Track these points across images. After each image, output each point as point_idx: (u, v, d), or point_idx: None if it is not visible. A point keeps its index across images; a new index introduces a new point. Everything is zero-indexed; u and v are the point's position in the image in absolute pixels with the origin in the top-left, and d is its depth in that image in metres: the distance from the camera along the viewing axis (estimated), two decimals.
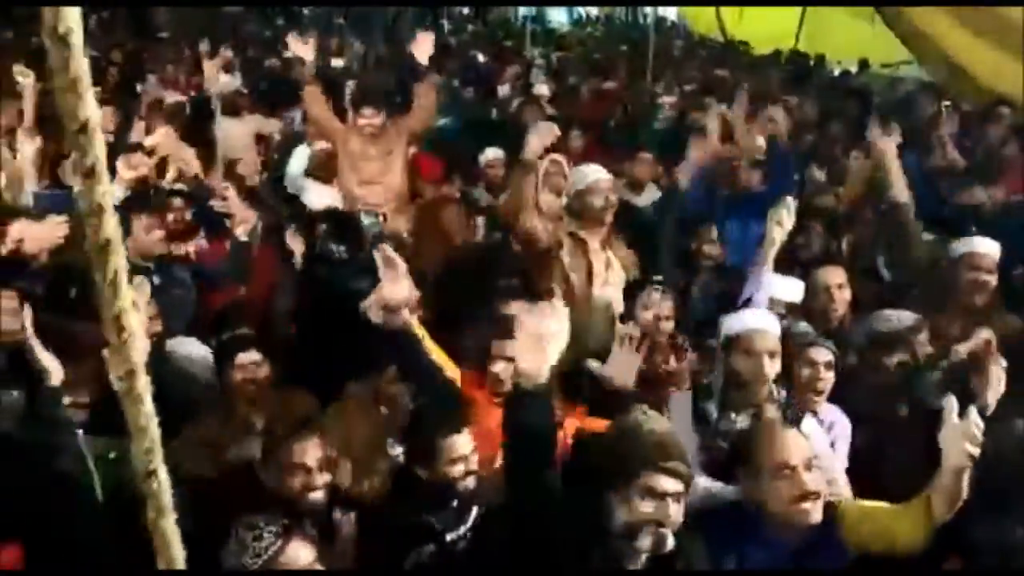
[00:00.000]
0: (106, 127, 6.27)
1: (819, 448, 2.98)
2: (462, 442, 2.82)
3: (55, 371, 2.72)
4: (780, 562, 2.53)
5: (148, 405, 0.90)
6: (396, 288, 2.86)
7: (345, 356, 3.56)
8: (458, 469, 2.79)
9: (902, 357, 3.51)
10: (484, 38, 16.36)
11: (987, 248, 3.97)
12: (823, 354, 3.30)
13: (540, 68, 11.13)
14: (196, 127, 6.78)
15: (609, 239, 4.27)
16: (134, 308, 0.87)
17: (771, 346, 3.07)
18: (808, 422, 3.12)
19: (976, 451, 2.37)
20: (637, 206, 5.68)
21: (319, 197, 5.67)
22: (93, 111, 0.82)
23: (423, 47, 5.85)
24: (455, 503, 2.81)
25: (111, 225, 0.85)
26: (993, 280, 3.95)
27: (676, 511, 2.28)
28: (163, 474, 0.96)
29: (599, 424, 3.10)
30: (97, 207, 0.83)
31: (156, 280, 4.07)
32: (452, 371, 3.12)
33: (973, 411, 2.42)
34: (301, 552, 2.28)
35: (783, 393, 3.19)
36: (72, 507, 2.57)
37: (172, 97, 7.61)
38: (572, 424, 3.22)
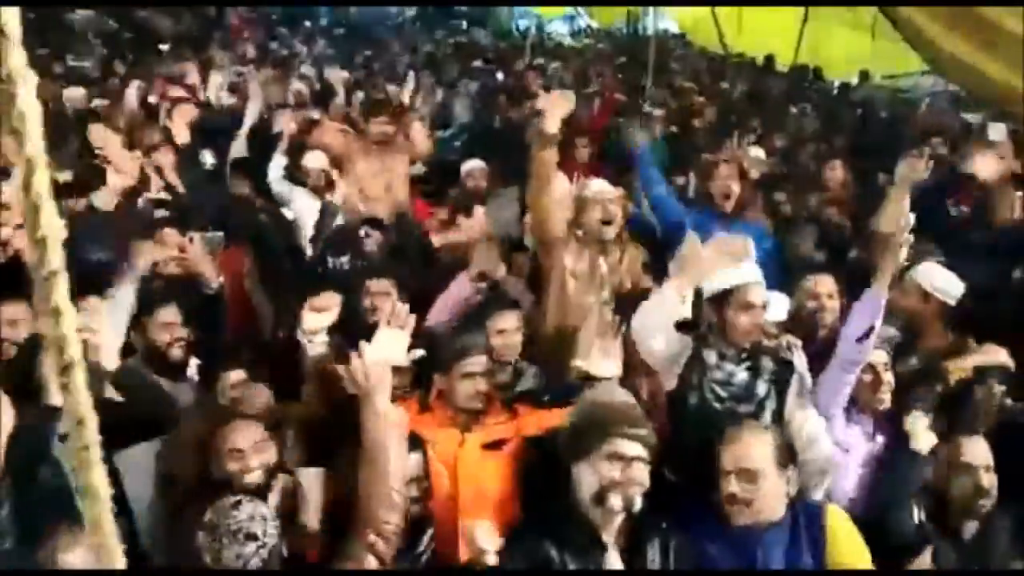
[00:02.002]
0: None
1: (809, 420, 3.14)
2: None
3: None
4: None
5: (86, 399, 0.90)
6: (390, 350, 2.66)
7: None
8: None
9: None
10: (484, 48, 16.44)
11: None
12: (881, 355, 3.38)
13: (554, 78, 11.16)
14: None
15: (610, 249, 4.16)
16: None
17: (763, 298, 3.27)
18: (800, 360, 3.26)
19: None
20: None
21: (309, 205, 5.60)
22: (30, 105, 0.82)
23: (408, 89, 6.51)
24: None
25: (49, 219, 0.85)
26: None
27: (641, 472, 2.50)
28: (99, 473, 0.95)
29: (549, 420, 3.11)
30: (35, 200, 0.83)
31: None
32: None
33: None
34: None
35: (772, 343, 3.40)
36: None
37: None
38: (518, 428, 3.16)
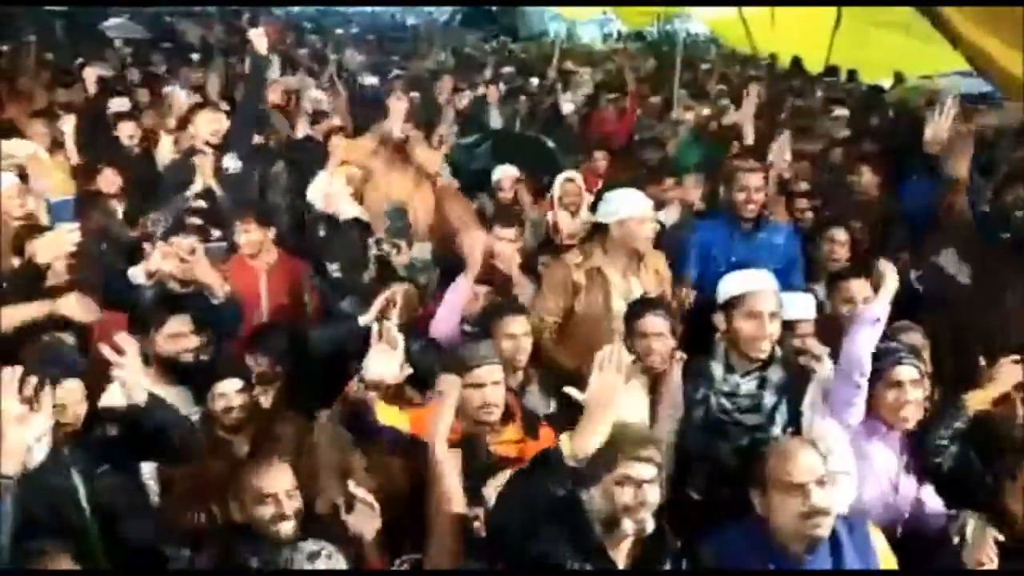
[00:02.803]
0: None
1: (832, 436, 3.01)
2: None
3: None
4: None
5: None
6: (384, 367, 2.67)
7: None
8: None
9: None
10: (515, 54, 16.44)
11: None
12: (910, 372, 3.13)
13: (583, 84, 11.12)
14: None
15: (636, 264, 4.12)
16: None
17: (772, 307, 3.19)
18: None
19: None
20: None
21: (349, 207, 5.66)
22: None
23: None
24: None
25: None
26: None
27: (653, 495, 2.42)
28: None
29: None
30: None
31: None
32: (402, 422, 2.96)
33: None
34: None
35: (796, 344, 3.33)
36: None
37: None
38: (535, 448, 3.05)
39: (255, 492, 2.63)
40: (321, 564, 2.48)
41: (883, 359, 3.15)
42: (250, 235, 4.68)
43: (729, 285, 3.27)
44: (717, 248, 4.55)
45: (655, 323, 3.48)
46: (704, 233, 4.69)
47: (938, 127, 4.12)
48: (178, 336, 3.59)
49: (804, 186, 6.10)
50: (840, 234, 4.70)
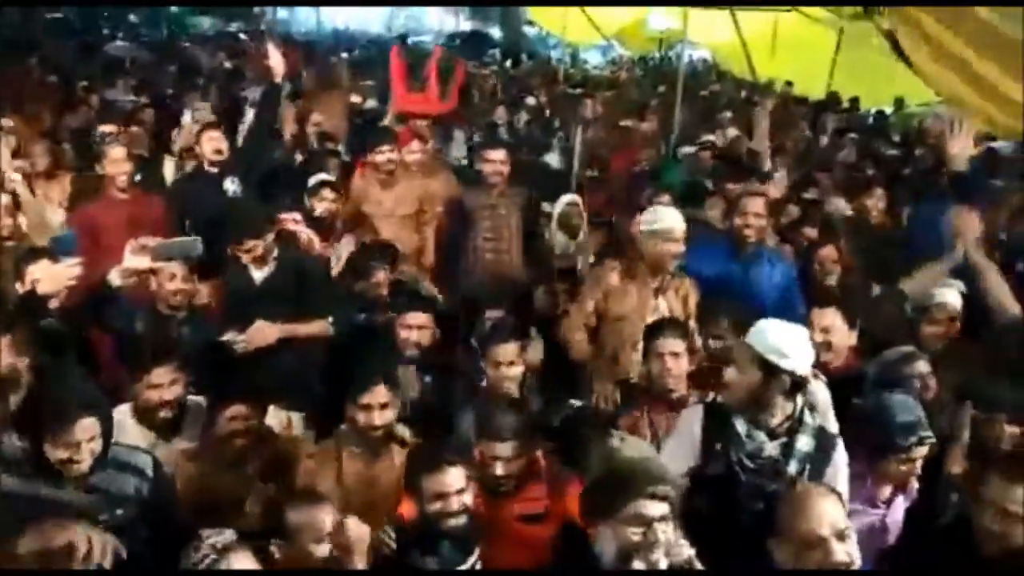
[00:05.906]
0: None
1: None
2: (449, 478, 2.76)
3: None
4: None
5: None
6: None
7: None
8: (439, 506, 2.72)
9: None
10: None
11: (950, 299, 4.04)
12: (924, 451, 3.13)
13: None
14: None
15: (666, 285, 4.22)
16: None
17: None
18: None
19: None
20: None
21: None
22: None
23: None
24: (448, 542, 2.69)
25: None
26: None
27: (665, 533, 2.31)
28: None
29: None
30: None
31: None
32: None
33: None
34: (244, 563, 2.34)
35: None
36: None
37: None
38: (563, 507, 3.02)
39: (314, 532, 2.64)
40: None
41: (901, 435, 3.07)
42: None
43: (774, 345, 2.89)
44: (712, 274, 4.42)
45: (672, 343, 3.57)
46: (698, 259, 4.46)
47: (960, 142, 4.20)
48: (160, 387, 3.46)
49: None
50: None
